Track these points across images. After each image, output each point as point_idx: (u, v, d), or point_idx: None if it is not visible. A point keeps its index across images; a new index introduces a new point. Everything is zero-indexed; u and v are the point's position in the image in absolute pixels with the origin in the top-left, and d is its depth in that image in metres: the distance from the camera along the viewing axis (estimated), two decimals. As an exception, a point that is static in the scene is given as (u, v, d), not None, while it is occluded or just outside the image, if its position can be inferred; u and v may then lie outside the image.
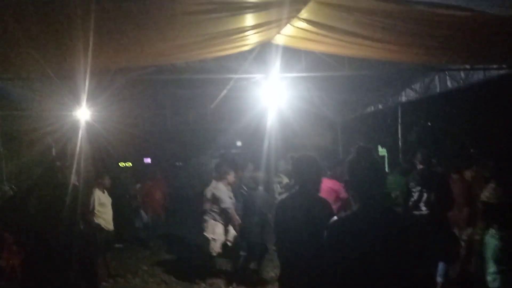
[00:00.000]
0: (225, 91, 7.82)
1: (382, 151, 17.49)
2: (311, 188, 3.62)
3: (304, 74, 6.65)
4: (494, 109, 11.62)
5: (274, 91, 6.41)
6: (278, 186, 8.67)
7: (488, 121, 12.50)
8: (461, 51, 5.17)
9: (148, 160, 20.70)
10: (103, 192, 7.31)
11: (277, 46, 5.23)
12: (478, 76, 7.09)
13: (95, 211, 7.00)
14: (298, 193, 3.60)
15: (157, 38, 4.13)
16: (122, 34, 3.89)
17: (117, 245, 9.04)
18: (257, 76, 6.41)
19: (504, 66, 6.38)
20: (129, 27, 3.69)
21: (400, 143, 10.22)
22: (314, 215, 3.36)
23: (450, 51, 5.15)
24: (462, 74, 7.37)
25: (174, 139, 16.10)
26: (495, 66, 6.56)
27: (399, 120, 10.18)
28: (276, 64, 5.61)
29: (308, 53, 6.33)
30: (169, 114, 11.27)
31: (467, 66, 7.00)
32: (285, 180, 8.45)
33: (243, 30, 4.19)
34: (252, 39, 4.75)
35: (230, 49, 5.14)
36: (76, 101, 6.96)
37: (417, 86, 8.83)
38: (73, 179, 5.26)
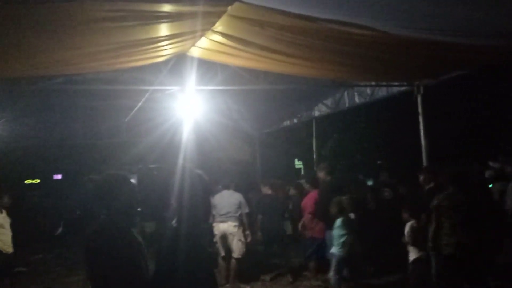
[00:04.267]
0: (140, 104, 7.60)
1: (298, 163, 18.06)
2: None
3: (219, 87, 6.67)
4: (397, 123, 12.55)
5: (190, 103, 6.33)
6: None
7: (391, 134, 13.49)
8: (367, 68, 5.54)
9: (58, 177, 19.38)
10: (1, 212, 6.68)
11: (192, 58, 5.21)
12: (382, 92, 7.61)
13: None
14: None
15: (63, 45, 3.90)
16: (26, 39, 3.62)
17: (20, 269, 8.28)
18: (173, 88, 6.31)
19: (404, 83, 6.93)
20: (33, 32, 3.45)
21: (315, 156, 10.57)
22: None
23: (357, 68, 5.49)
24: (369, 90, 7.86)
25: (87, 153, 15.22)
26: (396, 83, 7.09)
27: (314, 134, 10.53)
28: (191, 77, 5.57)
29: (224, 67, 6.38)
30: (81, 127, 10.70)
31: (373, 83, 7.48)
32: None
33: (156, 40, 4.13)
34: (166, 50, 4.69)
35: (144, 60, 5.03)
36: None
37: (328, 101, 9.26)
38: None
